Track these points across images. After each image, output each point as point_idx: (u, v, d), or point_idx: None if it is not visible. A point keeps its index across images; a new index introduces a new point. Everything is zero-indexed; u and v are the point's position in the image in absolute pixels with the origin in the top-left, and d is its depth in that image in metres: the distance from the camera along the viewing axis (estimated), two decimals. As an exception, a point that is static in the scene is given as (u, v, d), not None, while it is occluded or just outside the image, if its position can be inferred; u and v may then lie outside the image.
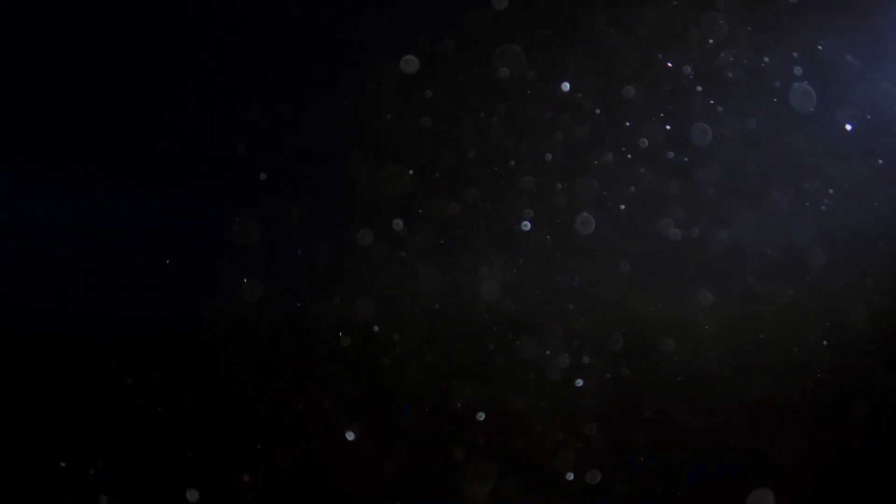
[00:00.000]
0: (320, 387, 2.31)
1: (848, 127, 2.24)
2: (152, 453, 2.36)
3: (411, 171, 2.19)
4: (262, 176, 2.25)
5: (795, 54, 2.23)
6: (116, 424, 2.36)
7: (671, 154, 2.23)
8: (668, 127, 2.23)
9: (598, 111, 2.22)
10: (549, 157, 2.23)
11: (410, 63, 1.85)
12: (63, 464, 2.34)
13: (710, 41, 2.21)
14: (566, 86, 2.15)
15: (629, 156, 2.23)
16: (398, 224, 2.17)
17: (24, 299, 2.40)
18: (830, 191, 2.24)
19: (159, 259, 2.33)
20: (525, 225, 2.22)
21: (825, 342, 2.27)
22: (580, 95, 2.21)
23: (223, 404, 2.34)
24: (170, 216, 2.36)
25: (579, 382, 2.26)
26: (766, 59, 2.23)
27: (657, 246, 2.26)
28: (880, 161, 2.25)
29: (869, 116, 2.25)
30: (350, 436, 2.25)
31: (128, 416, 2.36)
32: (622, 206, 2.23)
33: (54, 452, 2.36)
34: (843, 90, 2.25)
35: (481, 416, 2.27)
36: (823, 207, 2.25)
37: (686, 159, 2.24)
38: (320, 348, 2.30)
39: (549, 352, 2.27)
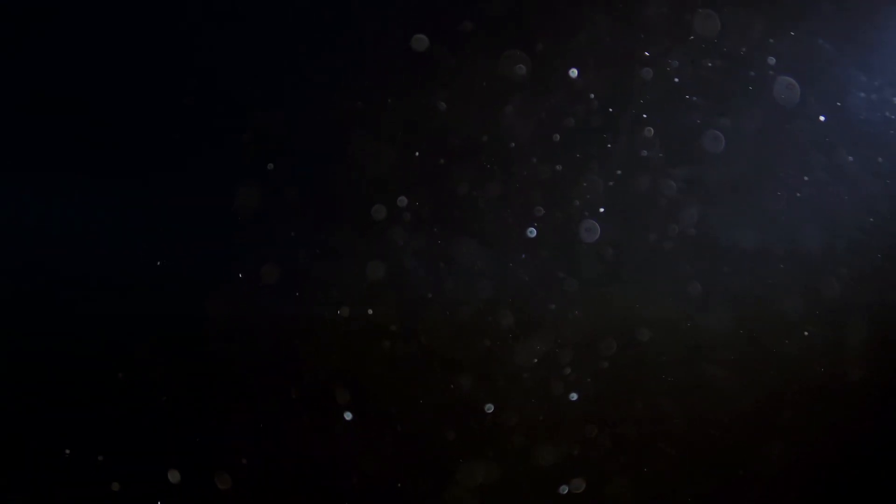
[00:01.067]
0: (314, 378, 2.30)
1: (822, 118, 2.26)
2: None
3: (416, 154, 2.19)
4: (270, 166, 2.25)
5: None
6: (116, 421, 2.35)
7: (672, 152, 2.25)
8: (667, 125, 2.25)
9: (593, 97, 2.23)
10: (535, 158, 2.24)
11: (420, 42, 1.86)
12: (62, 464, 2.32)
13: (711, 38, 2.23)
14: (574, 72, 2.16)
15: (620, 152, 2.25)
16: (402, 201, 2.17)
17: (23, 299, 2.38)
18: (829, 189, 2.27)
19: (158, 258, 2.32)
20: (531, 231, 2.23)
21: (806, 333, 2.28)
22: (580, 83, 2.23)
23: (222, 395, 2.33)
24: (169, 215, 2.35)
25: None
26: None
27: (648, 245, 2.27)
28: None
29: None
30: (348, 416, 2.24)
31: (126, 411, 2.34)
32: (601, 210, 2.24)
33: (54, 452, 2.34)
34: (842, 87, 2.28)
35: (490, 407, 2.26)
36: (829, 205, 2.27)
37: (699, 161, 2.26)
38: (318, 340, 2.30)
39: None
